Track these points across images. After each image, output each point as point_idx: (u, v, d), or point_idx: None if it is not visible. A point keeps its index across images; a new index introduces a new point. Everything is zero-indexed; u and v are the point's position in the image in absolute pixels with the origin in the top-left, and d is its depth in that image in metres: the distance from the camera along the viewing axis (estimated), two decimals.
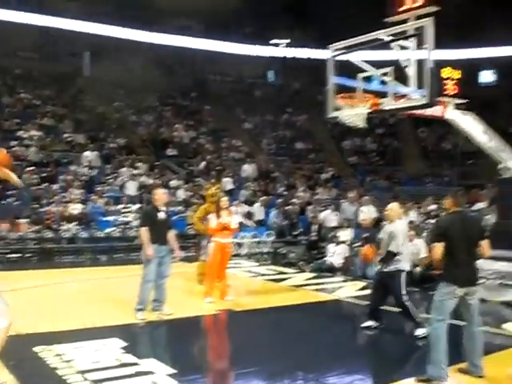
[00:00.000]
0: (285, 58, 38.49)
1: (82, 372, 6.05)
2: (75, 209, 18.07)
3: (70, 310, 9.12)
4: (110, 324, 8.20)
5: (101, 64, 31.84)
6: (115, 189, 20.97)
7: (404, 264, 8.13)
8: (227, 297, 10.26)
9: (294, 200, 21.75)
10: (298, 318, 9.46)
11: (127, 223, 18.13)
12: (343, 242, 15.20)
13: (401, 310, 8.19)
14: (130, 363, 6.42)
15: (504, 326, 8.82)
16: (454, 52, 32.58)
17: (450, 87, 9.31)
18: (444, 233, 6.09)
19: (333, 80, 9.27)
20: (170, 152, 26.24)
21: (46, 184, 19.64)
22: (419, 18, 8.70)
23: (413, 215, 16.67)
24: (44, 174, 20.42)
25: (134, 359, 6.55)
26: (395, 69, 8.85)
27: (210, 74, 36.94)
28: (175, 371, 6.16)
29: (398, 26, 8.87)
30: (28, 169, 19.75)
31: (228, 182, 22.67)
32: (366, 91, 9.00)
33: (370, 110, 8.58)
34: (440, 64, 9.41)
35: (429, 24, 8.05)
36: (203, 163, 24.97)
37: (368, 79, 9.07)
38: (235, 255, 16.68)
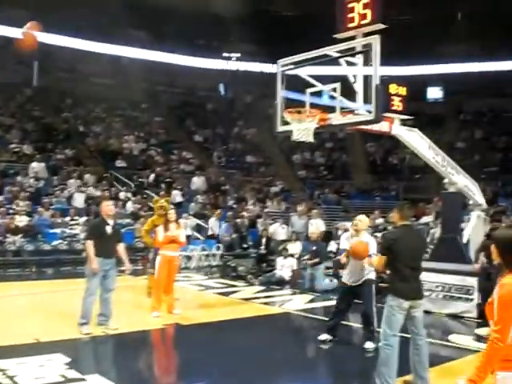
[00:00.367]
0: (236, 71, 38.62)
1: None
2: (21, 221, 17.69)
3: (14, 325, 8.89)
4: (54, 339, 8.01)
5: (50, 74, 31.44)
6: (62, 201, 20.62)
7: (373, 273, 8.19)
8: (175, 310, 10.15)
9: (243, 213, 21.80)
10: (247, 331, 9.44)
11: (74, 236, 17.85)
12: (292, 255, 15.28)
13: (364, 318, 8.20)
14: (74, 379, 6.28)
15: (450, 337, 8.98)
16: (402, 68, 33.32)
17: (397, 103, 9.46)
18: (391, 246, 6.14)
19: (281, 94, 9.34)
20: (119, 164, 25.99)
21: None
22: (367, 35, 8.85)
23: None
24: None
25: (78, 375, 6.41)
26: (344, 84, 8.97)
27: (162, 86, 36.77)
28: None
29: (346, 43, 9.00)
30: None
31: (177, 195, 22.58)
32: (314, 106, 9.08)
33: (317, 125, 8.65)
34: (388, 80, 9.58)
35: (376, 41, 8.20)
36: (153, 175, 24.81)
37: (318, 94, 9.15)
38: (184, 268, 16.61)
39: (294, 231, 17.67)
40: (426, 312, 10.51)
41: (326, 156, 32.68)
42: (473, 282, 10.52)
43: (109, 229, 8.76)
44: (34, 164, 22.15)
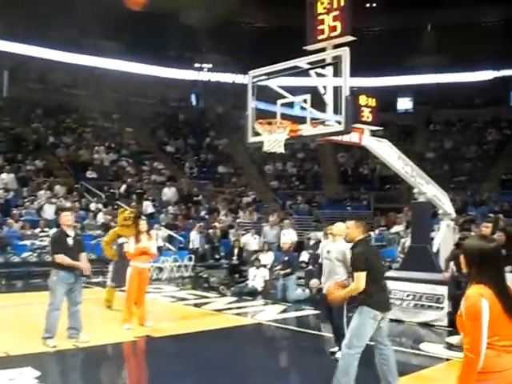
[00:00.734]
0: (208, 82, 38.64)
1: None
2: None
3: None
4: (24, 352, 7.88)
5: (20, 84, 31.14)
6: (32, 212, 20.39)
7: None
8: (146, 323, 10.04)
9: (215, 224, 21.77)
10: (219, 342, 9.40)
11: (44, 247, 17.59)
12: (264, 266, 15.28)
13: (335, 329, 8.17)
14: None
15: (421, 346, 9.04)
16: (372, 80, 33.68)
17: (367, 114, 9.55)
18: (366, 261, 6.15)
19: (252, 105, 9.36)
20: (90, 175, 25.80)
21: None
22: (337, 46, 8.94)
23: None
24: None
25: None
26: (315, 95, 9.02)
27: (133, 97, 36.64)
28: None
29: (316, 55, 9.07)
30: None
31: (149, 206, 22.47)
32: (286, 117, 9.12)
33: (288, 136, 8.69)
34: (358, 91, 9.67)
35: (345, 53, 8.28)
36: (124, 186, 24.66)
37: (290, 105, 9.20)
38: (155, 280, 16.51)
39: (266, 241, 17.67)
40: (397, 321, 10.64)
41: (298, 166, 32.87)
42: (443, 290, 10.61)
43: (70, 240, 8.55)
44: (4, 175, 21.89)
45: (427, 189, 11.46)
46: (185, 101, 39.90)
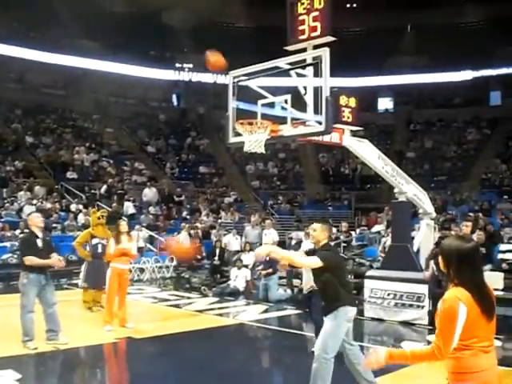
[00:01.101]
0: (189, 82, 38.52)
1: None
2: None
3: None
4: (5, 355, 7.80)
5: None
6: (12, 213, 20.20)
7: None
8: (127, 324, 10.00)
9: (197, 224, 21.72)
10: (201, 343, 9.38)
11: None
12: (246, 266, 15.28)
13: (316, 328, 8.21)
14: None
15: (402, 344, 9.09)
16: (353, 80, 33.80)
17: (347, 114, 9.59)
18: (337, 264, 6.19)
19: (233, 106, 9.35)
20: (70, 175, 25.62)
21: None
22: (317, 47, 8.95)
23: None
24: None
25: None
26: (295, 96, 9.04)
27: (113, 97, 36.46)
28: None
29: (296, 55, 9.08)
30: None
31: (130, 206, 22.37)
32: (267, 117, 9.12)
33: (268, 137, 8.69)
34: (338, 92, 9.70)
35: (325, 53, 8.29)
36: (104, 187, 24.52)
37: (271, 105, 9.20)
38: (137, 281, 16.45)
39: (248, 242, 17.67)
40: (378, 320, 10.71)
41: (279, 166, 32.92)
42: (424, 289, 10.69)
43: (39, 242, 8.45)
44: None
45: (407, 188, 11.53)
46: (165, 101, 39.79)
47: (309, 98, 8.75)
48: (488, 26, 33.25)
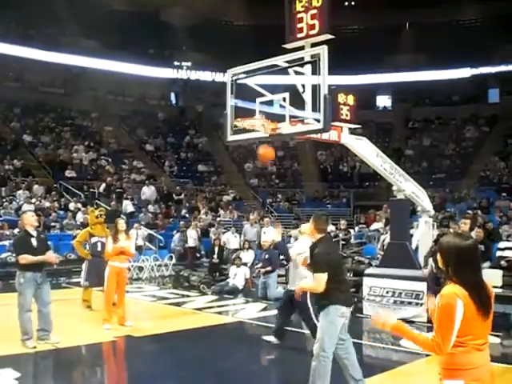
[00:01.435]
0: (188, 80, 38.52)
1: None
2: None
3: None
4: (4, 353, 7.82)
5: None
6: (11, 212, 20.18)
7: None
8: (126, 323, 10.00)
9: (196, 222, 21.70)
10: (200, 341, 9.38)
11: None
12: (245, 264, 15.29)
13: (309, 327, 8.28)
14: None
15: (401, 342, 9.08)
16: (351, 77, 33.80)
17: (345, 112, 9.58)
18: (329, 261, 6.12)
19: (231, 104, 9.34)
20: (69, 174, 25.62)
21: None
22: (315, 45, 8.94)
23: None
24: None
25: None
26: (294, 93, 9.03)
27: (112, 95, 36.45)
28: None
29: (294, 53, 9.07)
30: None
31: (129, 205, 22.37)
32: (265, 115, 9.11)
33: (267, 135, 8.69)
34: (336, 90, 9.69)
35: (323, 51, 8.28)
36: (103, 185, 24.49)
37: (269, 103, 9.19)
38: (136, 279, 16.45)
39: (247, 240, 17.68)
40: None
41: (278, 164, 32.90)
42: (422, 286, 10.70)
43: (34, 241, 8.43)
44: None
45: (406, 186, 11.53)
46: (164, 99, 39.81)
47: (307, 96, 8.74)
48: (486, 23, 33.29)
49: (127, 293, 10.80)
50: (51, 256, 8.62)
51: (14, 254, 16.82)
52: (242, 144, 9.13)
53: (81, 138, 29.88)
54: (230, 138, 9.46)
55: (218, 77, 35.92)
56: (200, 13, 35.59)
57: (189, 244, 19.12)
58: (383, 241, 14.15)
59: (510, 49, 32.54)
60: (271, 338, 8.61)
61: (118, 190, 24.08)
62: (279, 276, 14.58)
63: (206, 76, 37.90)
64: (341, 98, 9.52)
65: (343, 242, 17.56)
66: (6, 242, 17.62)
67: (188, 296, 14.22)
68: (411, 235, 12.30)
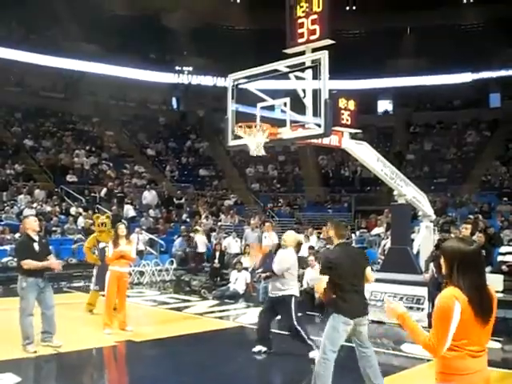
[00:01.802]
0: (189, 85, 38.55)
1: None
2: None
3: None
4: (5, 358, 7.81)
5: None
6: (12, 217, 20.18)
7: (295, 289, 8.29)
8: (127, 327, 9.99)
9: (197, 227, 21.70)
10: (201, 346, 9.37)
11: None
12: (245, 269, 15.27)
13: (292, 333, 8.32)
14: None
15: (402, 347, 9.08)
16: (352, 82, 33.83)
17: (346, 117, 9.60)
18: (331, 266, 6.16)
19: (232, 109, 9.37)
20: (70, 178, 25.63)
21: None
22: (315, 50, 8.97)
23: (313, 240, 16.99)
24: None
25: None
26: (295, 98, 9.04)
27: (113, 100, 36.48)
28: None
29: (295, 58, 9.10)
30: None
31: (130, 209, 22.37)
32: (266, 120, 9.13)
33: (268, 139, 8.70)
34: (337, 94, 9.71)
35: (324, 56, 8.31)
36: (104, 190, 24.51)
37: (270, 108, 9.21)
38: (137, 284, 16.44)
39: (248, 244, 17.66)
40: (379, 322, 10.69)
41: (279, 169, 32.93)
42: (423, 291, 10.69)
43: (36, 246, 8.44)
44: None
45: (407, 190, 11.54)
46: (165, 104, 39.82)
47: (308, 101, 8.77)
48: (488, 27, 33.32)
49: (128, 297, 10.80)
50: (54, 262, 8.64)
51: (15, 259, 17.11)
52: (243, 149, 9.15)
53: (82, 143, 29.89)
54: (231, 142, 9.49)
55: (219, 82, 35.97)
56: (201, 17, 35.68)
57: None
58: (384, 245, 14.16)
59: (510, 53, 32.56)
60: (259, 348, 8.58)
61: (119, 195, 24.09)
62: None
63: (207, 81, 37.94)
64: (342, 102, 9.53)
65: None
66: (8, 247, 17.63)
67: (189, 301, 14.20)
68: (412, 240, 12.30)
